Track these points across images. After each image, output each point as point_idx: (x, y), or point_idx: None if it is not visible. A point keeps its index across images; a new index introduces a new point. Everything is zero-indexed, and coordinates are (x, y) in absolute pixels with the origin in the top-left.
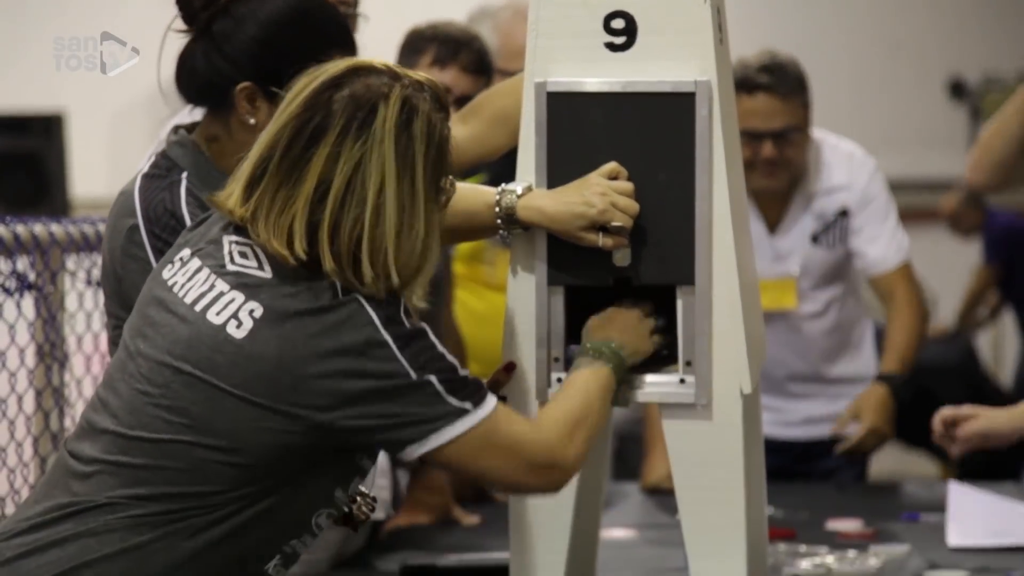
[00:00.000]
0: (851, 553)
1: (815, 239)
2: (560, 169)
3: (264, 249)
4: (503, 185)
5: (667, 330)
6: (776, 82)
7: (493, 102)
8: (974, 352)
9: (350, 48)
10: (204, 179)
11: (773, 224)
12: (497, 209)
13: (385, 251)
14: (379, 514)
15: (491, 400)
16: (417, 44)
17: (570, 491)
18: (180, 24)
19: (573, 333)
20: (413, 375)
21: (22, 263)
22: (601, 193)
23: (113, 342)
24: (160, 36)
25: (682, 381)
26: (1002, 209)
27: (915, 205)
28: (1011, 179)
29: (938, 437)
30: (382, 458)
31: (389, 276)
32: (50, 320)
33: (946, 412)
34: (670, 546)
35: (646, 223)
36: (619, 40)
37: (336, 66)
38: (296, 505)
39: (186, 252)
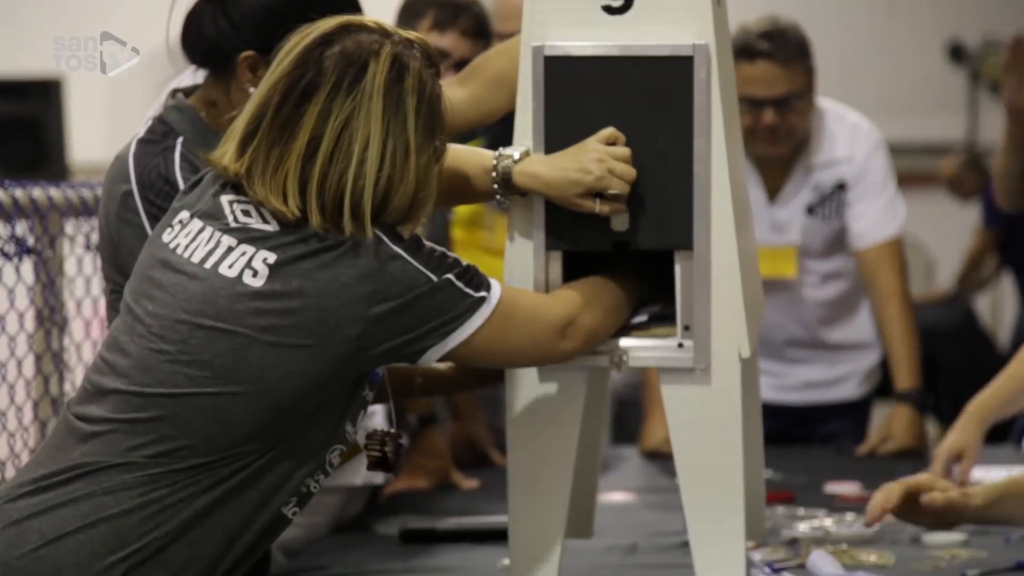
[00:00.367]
0: (849, 516)
1: (810, 211)
2: (557, 133)
3: (263, 205)
4: (500, 150)
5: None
6: (777, 48)
7: (491, 64)
8: (973, 315)
9: None
10: (200, 144)
11: (773, 193)
12: (494, 174)
13: (372, 203)
14: (378, 479)
15: (496, 281)
16: (416, 8)
17: (568, 455)
18: None
19: None
20: (433, 277)
21: (21, 227)
22: (598, 159)
23: (112, 306)
24: None
25: (680, 345)
26: None
27: (914, 169)
28: None
29: (903, 513)
30: (381, 424)
31: (375, 224)
32: (49, 284)
33: (907, 484)
34: (669, 510)
35: (644, 188)
36: (616, 3)
37: (327, 23)
38: (312, 444)
39: (185, 215)
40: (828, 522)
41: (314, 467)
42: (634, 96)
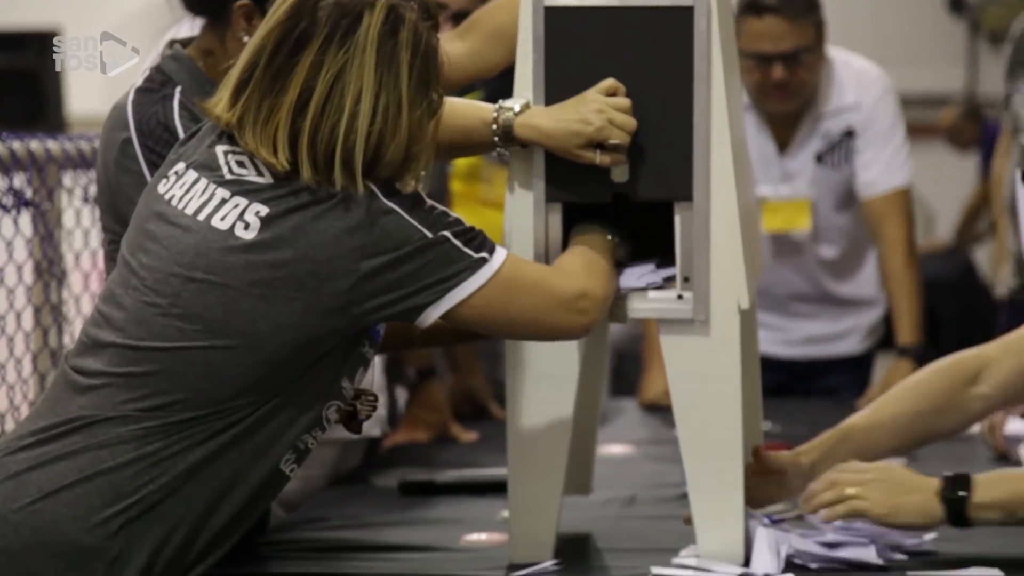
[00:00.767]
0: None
1: (819, 159)
2: (557, 85)
3: (256, 156)
4: (500, 102)
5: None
6: (784, 3)
7: (491, 18)
8: (972, 267)
9: None
10: (198, 94)
11: (783, 145)
12: (494, 127)
13: (364, 158)
14: (376, 431)
15: (501, 248)
16: None
17: (567, 407)
18: None
19: None
20: (428, 234)
21: (19, 180)
22: (598, 110)
23: (110, 257)
24: None
25: (680, 297)
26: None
27: (914, 120)
28: None
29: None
30: (378, 376)
31: (367, 179)
32: (47, 237)
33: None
34: (667, 462)
35: (644, 139)
36: None
37: None
38: (307, 399)
39: (181, 166)
40: None
41: (310, 423)
42: (634, 47)
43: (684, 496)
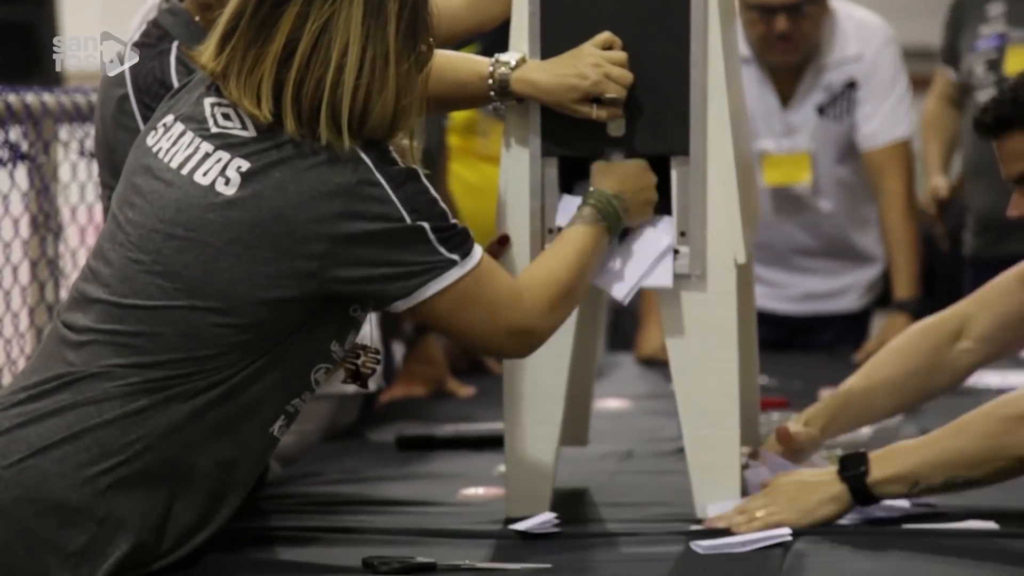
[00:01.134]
0: None
1: (821, 111)
2: (553, 39)
3: (239, 107)
4: (496, 56)
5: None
6: None
7: None
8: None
9: None
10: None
11: (786, 98)
12: (490, 81)
13: (351, 113)
14: (371, 386)
15: (477, 253)
16: None
17: (564, 361)
18: None
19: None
20: (407, 218)
21: (15, 133)
22: (594, 64)
23: (108, 212)
24: None
25: (676, 252)
26: None
27: (916, 73)
28: None
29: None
30: (374, 331)
31: (354, 135)
32: (43, 191)
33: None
34: (664, 416)
35: (640, 93)
36: None
37: None
38: (294, 362)
39: (169, 118)
40: None
41: (297, 386)
42: (630, 0)
43: (681, 450)
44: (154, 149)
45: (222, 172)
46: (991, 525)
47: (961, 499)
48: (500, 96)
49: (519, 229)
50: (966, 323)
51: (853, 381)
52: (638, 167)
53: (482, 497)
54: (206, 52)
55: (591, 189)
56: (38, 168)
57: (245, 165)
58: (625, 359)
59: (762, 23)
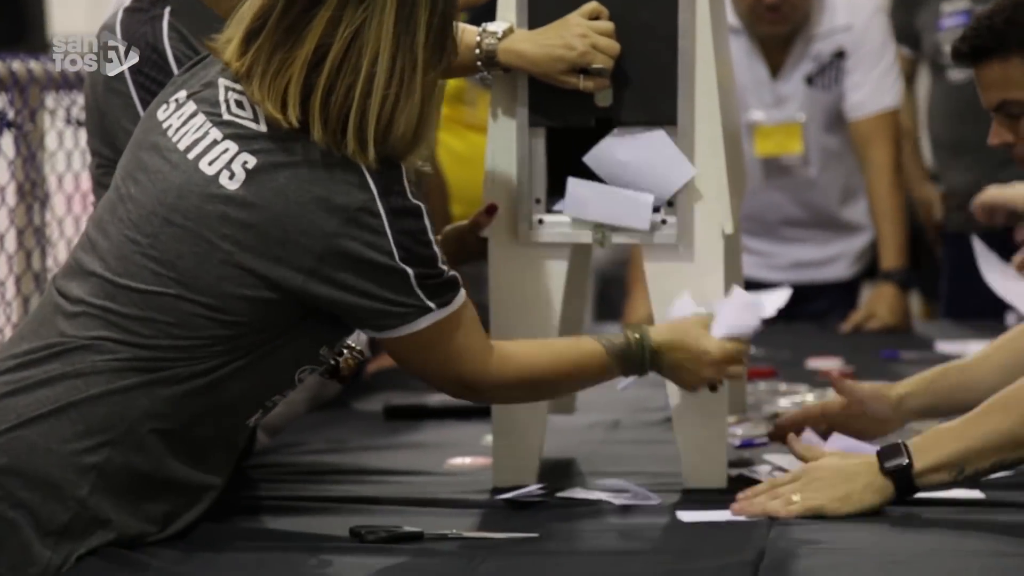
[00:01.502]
0: (830, 392)
1: (810, 80)
2: (541, 8)
3: (261, 108)
4: (484, 26)
5: None
6: None
7: None
8: None
9: None
10: (188, 14)
11: (775, 68)
12: (477, 51)
13: (377, 122)
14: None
15: (457, 302)
16: None
17: (550, 332)
18: None
19: (554, 175)
20: (396, 256)
21: (1, 101)
22: (581, 35)
23: (97, 181)
24: None
25: (664, 222)
26: None
27: None
28: None
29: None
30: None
31: (380, 146)
32: (30, 158)
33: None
34: (651, 386)
35: (628, 63)
36: None
37: None
38: (281, 362)
39: (182, 94)
40: (810, 397)
41: (280, 384)
42: None
43: (667, 420)
44: (164, 125)
45: (228, 165)
46: (977, 494)
47: None
48: (487, 66)
49: (507, 199)
50: None
51: (953, 362)
52: (712, 349)
53: (469, 467)
54: (230, 47)
55: (646, 329)
56: (24, 136)
57: (252, 161)
58: (613, 329)
59: None
